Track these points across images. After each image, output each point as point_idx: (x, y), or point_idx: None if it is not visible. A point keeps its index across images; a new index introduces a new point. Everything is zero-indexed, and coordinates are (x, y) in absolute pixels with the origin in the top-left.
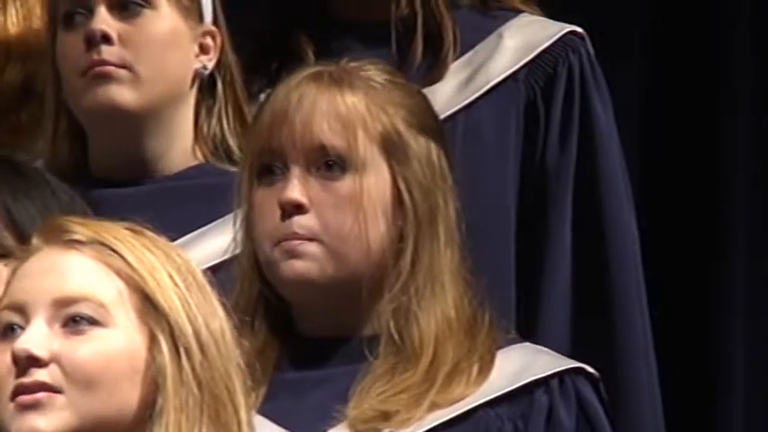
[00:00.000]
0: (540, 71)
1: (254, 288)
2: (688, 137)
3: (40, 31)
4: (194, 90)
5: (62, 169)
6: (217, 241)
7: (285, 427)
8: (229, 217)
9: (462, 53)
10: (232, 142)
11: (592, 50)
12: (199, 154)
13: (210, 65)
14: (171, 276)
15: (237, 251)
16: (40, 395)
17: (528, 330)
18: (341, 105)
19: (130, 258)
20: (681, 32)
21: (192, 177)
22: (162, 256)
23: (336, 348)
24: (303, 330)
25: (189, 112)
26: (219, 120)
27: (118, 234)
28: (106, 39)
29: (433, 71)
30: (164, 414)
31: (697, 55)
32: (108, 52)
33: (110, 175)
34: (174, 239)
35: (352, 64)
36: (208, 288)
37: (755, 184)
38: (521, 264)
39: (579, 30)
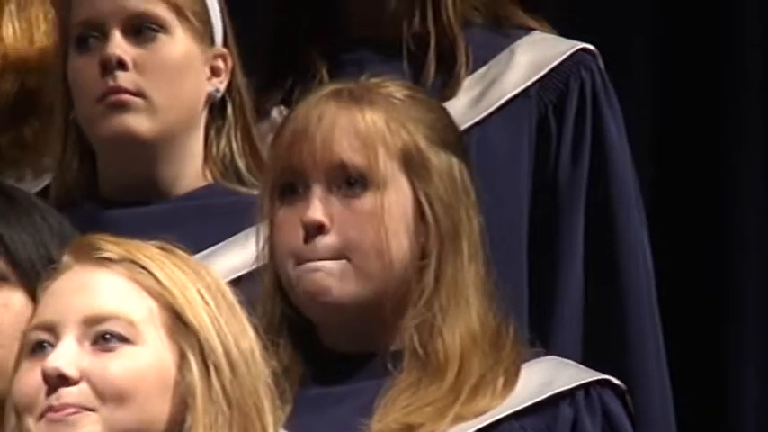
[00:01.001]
0: (552, 87)
1: (277, 308)
2: (698, 147)
3: (44, 49)
4: (205, 112)
5: (70, 189)
6: (228, 260)
7: None
8: (240, 236)
9: (475, 69)
10: (241, 163)
11: (603, 67)
12: (209, 175)
13: (222, 87)
14: (201, 294)
15: (252, 268)
16: (70, 411)
17: (541, 344)
18: (361, 123)
19: (161, 276)
20: (690, 44)
21: (202, 197)
22: (192, 274)
23: (361, 364)
24: (328, 346)
25: (200, 135)
26: (229, 141)
27: (148, 252)
28: (121, 65)
29: (446, 89)
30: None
31: (707, 67)
32: (123, 78)
33: (119, 196)
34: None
35: (372, 81)
36: (237, 307)
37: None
38: (533, 278)
39: (590, 47)
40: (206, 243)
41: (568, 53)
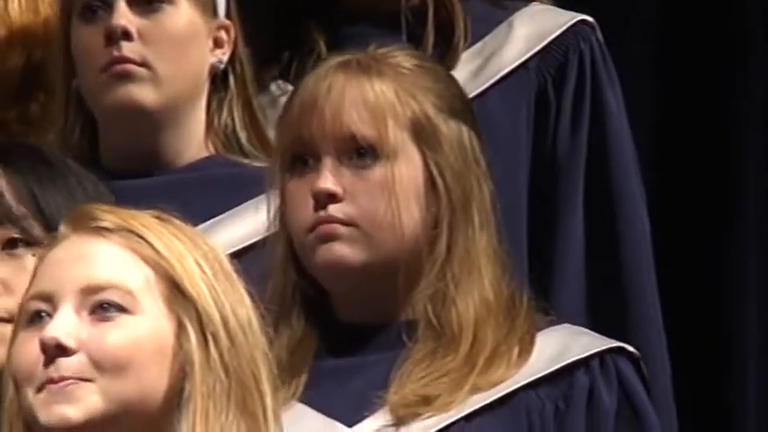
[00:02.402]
0: (551, 59)
1: (289, 279)
2: (700, 127)
3: (49, 20)
4: (207, 84)
5: (73, 157)
6: (230, 231)
7: (326, 414)
8: (242, 207)
9: (473, 43)
10: (242, 135)
11: (602, 39)
12: (210, 146)
13: (225, 58)
14: (198, 263)
15: (254, 240)
16: (68, 383)
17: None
18: (369, 93)
19: (158, 245)
20: (692, 21)
21: (204, 168)
22: (189, 243)
23: (375, 335)
24: (341, 318)
25: (203, 106)
26: (230, 112)
27: (145, 221)
28: (126, 35)
29: (445, 60)
30: (191, 400)
31: (711, 49)
32: (128, 49)
33: (121, 167)
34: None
35: (380, 51)
36: (234, 276)
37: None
38: (533, 248)
39: (589, 19)
40: (208, 214)
41: (567, 25)
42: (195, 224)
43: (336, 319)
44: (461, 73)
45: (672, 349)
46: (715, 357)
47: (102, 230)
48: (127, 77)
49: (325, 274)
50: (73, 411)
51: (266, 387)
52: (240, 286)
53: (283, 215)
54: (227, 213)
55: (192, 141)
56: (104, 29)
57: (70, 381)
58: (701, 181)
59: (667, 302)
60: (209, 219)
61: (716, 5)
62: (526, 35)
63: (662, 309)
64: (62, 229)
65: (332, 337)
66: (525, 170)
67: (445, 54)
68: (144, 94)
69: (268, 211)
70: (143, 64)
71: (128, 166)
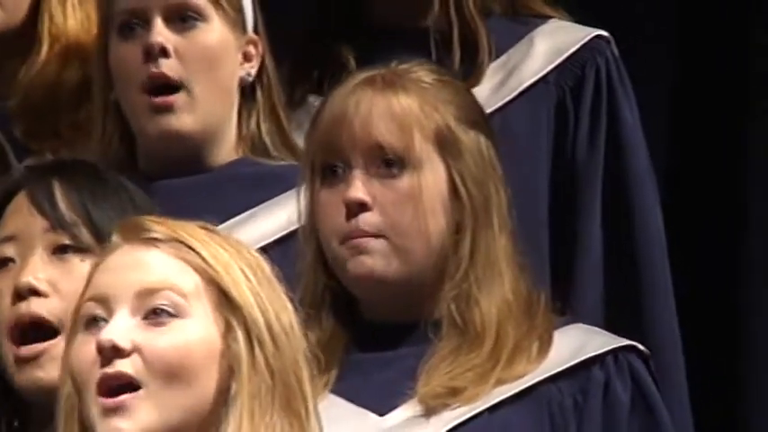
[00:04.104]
0: (569, 73)
1: (319, 281)
2: (714, 134)
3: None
4: (238, 96)
5: (111, 164)
6: (263, 224)
7: (357, 404)
8: (272, 202)
9: (496, 58)
10: (268, 140)
11: (617, 53)
12: (240, 150)
13: (254, 72)
14: (243, 272)
15: (281, 234)
16: (123, 397)
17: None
18: (396, 107)
19: (206, 254)
20: (707, 36)
21: (234, 168)
22: (234, 252)
23: (401, 333)
24: (369, 318)
25: (234, 116)
26: (258, 121)
27: (193, 232)
28: (164, 52)
29: (471, 77)
30: (238, 399)
31: (723, 55)
32: (166, 66)
33: (158, 171)
34: (222, 222)
35: (402, 66)
36: (276, 282)
37: None
38: (554, 255)
39: (605, 34)
40: (239, 209)
41: (584, 40)
42: (227, 219)
43: (364, 318)
44: (484, 86)
45: (686, 348)
46: (729, 356)
47: (153, 240)
48: (167, 109)
49: (357, 286)
50: (130, 426)
51: (308, 389)
52: (281, 292)
53: (313, 222)
54: (257, 208)
55: (225, 148)
56: (142, 46)
57: (124, 396)
58: (714, 189)
59: (682, 303)
60: (241, 213)
61: (732, 19)
62: (546, 50)
63: (677, 310)
64: (114, 238)
65: (360, 335)
66: (546, 178)
67: (471, 71)
68: (183, 122)
69: (297, 206)
70: (180, 83)
71: (164, 171)
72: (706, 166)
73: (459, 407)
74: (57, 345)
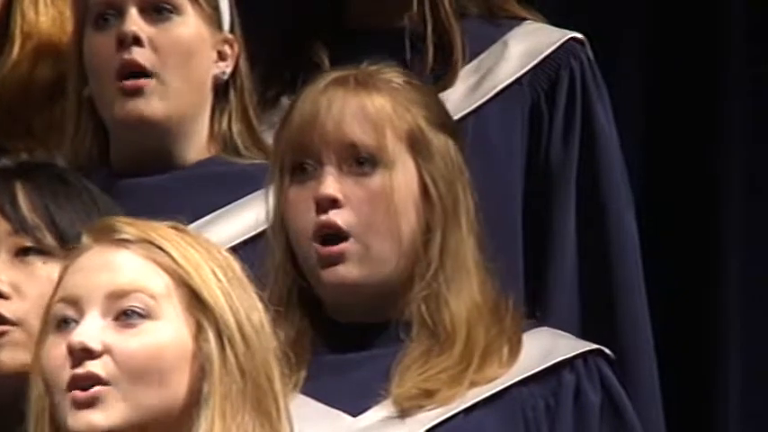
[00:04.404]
0: (544, 76)
1: (288, 279)
2: (688, 134)
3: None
4: (212, 95)
5: (82, 162)
6: (232, 223)
7: (329, 405)
8: (242, 201)
9: (470, 60)
10: (239, 141)
11: (591, 55)
12: (211, 149)
13: (228, 71)
14: (214, 272)
15: (250, 235)
16: (95, 390)
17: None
18: (369, 106)
19: (176, 255)
20: (679, 31)
21: (204, 167)
22: (205, 253)
23: (372, 333)
24: (338, 318)
25: (206, 114)
26: (229, 122)
27: (164, 233)
28: (137, 41)
29: (445, 78)
30: (210, 400)
31: (695, 53)
32: (139, 54)
33: (130, 168)
34: (192, 221)
35: (371, 68)
36: (247, 282)
37: (753, 179)
38: (528, 256)
39: (580, 36)
40: (209, 208)
41: (559, 43)
42: (198, 218)
43: (333, 318)
44: (459, 89)
45: (659, 351)
46: (700, 360)
47: (123, 241)
48: (137, 93)
49: (330, 292)
50: (100, 419)
51: (279, 388)
52: (252, 292)
53: (283, 220)
54: (227, 207)
55: (196, 146)
56: (116, 35)
57: (95, 389)
58: (688, 188)
59: (655, 306)
60: (211, 213)
61: (704, 24)
62: (520, 53)
63: (650, 311)
64: (85, 240)
65: (330, 335)
66: (520, 180)
67: (445, 72)
68: (152, 108)
69: (266, 215)
70: (152, 71)
71: (136, 168)
72: (680, 169)
73: (434, 408)
74: (16, 330)
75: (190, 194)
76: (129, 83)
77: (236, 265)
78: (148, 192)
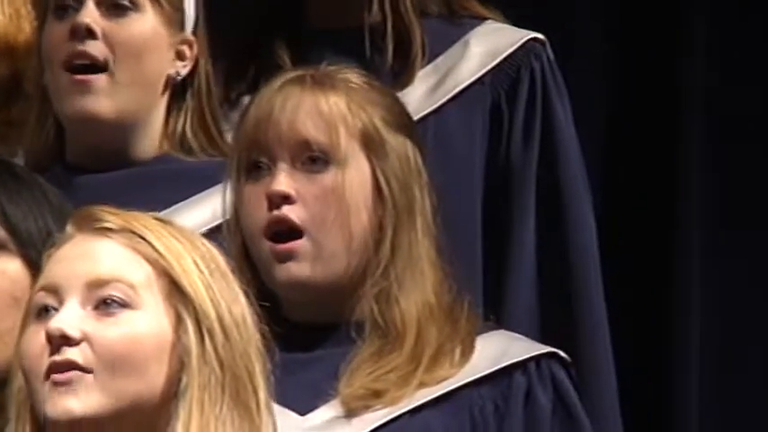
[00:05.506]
0: (505, 76)
1: (244, 278)
2: (648, 135)
3: (30, 32)
4: (167, 93)
5: (40, 155)
6: (188, 218)
7: (278, 403)
8: (194, 198)
9: (431, 60)
10: (194, 143)
11: (552, 56)
12: (165, 146)
13: (184, 71)
14: (196, 263)
15: (208, 227)
16: (72, 374)
17: (496, 318)
18: (324, 105)
19: (158, 245)
20: (641, 30)
21: (157, 164)
22: (187, 243)
23: (325, 333)
24: (292, 317)
25: (160, 111)
26: (185, 121)
27: (146, 223)
28: (91, 32)
29: (402, 76)
30: (188, 391)
31: (657, 55)
32: (91, 45)
33: (84, 163)
34: None
35: (330, 68)
36: (230, 275)
37: (712, 180)
38: (487, 256)
39: (540, 36)
40: (160, 205)
41: (519, 43)
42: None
43: (287, 317)
44: (420, 89)
45: (617, 355)
46: (659, 362)
47: (105, 231)
48: (86, 89)
49: (282, 290)
50: (77, 405)
51: (259, 381)
52: (236, 285)
53: (237, 217)
54: (181, 204)
55: (149, 142)
56: (71, 25)
57: (72, 372)
58: (647, 186)
59: (613, 309)
60: (164, 209)
61: (664, 23)
62: (481, 52)
63: (608, 315)
64: (68, 229)
65: (282, 334)
66: (480, 181)
67: (402, 70)
68: (101, 105)
69: (222, 202)
70: (103, 64)
71: (90, 163)
72: (640, 174)
73: (380, 409)
74: None
75: (142, 191)
76: (79, 77)
77: (219, 257)
78: (102, 187)
